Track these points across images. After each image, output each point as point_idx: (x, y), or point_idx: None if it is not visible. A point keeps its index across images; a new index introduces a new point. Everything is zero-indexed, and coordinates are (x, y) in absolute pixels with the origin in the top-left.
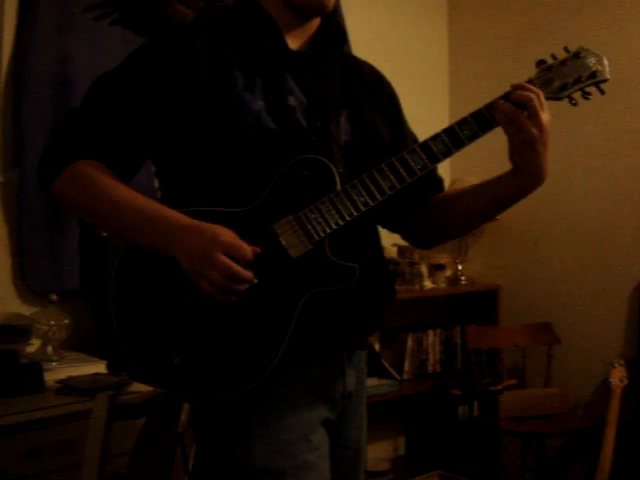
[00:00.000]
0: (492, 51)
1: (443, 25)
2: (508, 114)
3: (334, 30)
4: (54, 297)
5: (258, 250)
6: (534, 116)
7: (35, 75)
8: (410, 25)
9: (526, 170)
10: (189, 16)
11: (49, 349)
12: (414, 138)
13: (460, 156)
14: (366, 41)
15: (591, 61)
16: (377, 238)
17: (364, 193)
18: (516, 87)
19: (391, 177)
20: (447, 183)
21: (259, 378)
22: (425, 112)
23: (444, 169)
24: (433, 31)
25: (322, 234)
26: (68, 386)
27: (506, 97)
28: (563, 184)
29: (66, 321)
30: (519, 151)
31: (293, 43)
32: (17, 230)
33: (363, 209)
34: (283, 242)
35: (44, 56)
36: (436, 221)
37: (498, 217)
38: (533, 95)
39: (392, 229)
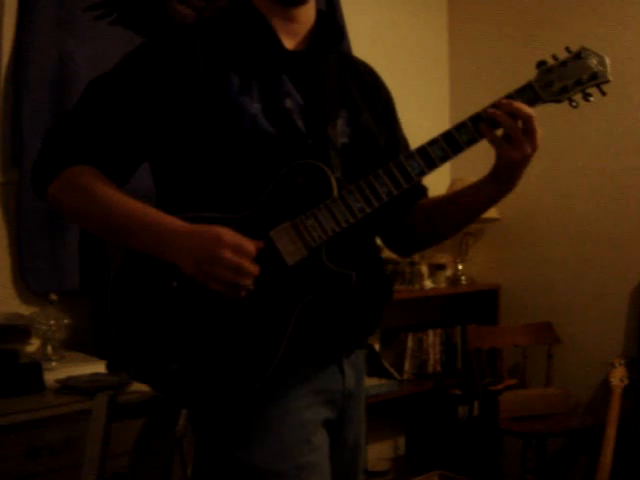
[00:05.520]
0: (492, 51)
1: (443, 25)
2: (506, 124)
3: (330, 28)
4: (54, 297)
5: (261, 244)
6: (531, 133)
7: (35, 75)
8: (410, 25)
9: (506, 184)
10: (189, 16)
11: (49, 349)
12: (406, 144)
13: (461, 156)
14: (366, 41)
15: (592, 62)
16: (373, 240)
17: (360, 199)
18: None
19: (388, 183)
20: (447, 183)
21: (257, 383)
22: (425, 113)
23: (444, 169)
24: (433, 31)
25: (318, 241)
26: (68, 386)
27: (498, 107)
28: (564, 184)
29: (66, 321)
30: (505, 165)
31: (289, 42)
32: (17, 230)
33: (359, 215)
34: (279, 249)
35: (44, 56)
36: (417, 228)
37: (498, 217)
38: (532, 112)
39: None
